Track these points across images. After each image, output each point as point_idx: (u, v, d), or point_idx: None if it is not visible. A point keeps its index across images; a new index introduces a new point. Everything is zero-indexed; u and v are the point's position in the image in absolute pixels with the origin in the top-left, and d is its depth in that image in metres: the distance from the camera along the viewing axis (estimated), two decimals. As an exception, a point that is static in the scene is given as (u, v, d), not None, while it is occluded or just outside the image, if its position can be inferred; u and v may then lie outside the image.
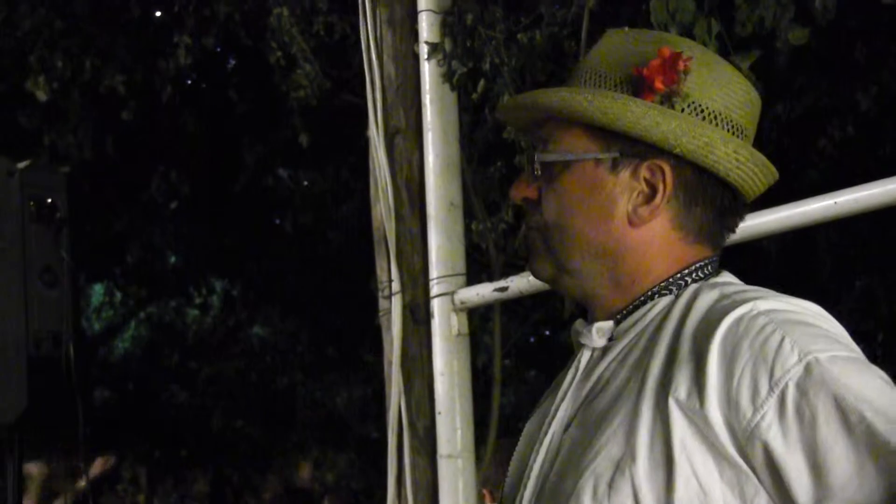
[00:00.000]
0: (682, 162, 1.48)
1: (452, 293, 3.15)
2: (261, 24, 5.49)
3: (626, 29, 1.61)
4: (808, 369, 1.30)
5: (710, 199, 1.52)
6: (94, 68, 6.29)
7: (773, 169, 1.54)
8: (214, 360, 13.08)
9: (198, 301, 11.96)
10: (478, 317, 4.39)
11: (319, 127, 6.37)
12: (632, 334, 1.52)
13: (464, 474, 2.84)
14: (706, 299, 1.46)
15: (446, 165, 3.42)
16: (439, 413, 2.97)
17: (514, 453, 1.68)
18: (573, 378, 1.58)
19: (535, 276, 1.64)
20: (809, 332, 1.36)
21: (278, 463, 13.95)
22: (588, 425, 1.47)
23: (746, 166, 1.50)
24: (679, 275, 1.52)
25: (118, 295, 12.25)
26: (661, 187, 1.49)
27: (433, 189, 3.37)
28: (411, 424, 3.19)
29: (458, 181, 3.44)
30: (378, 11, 3.62)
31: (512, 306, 5.97)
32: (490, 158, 3.95)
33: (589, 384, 1.54)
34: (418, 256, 3.40)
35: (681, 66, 1.45)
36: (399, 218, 3.46)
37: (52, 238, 4.15)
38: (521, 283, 3.04)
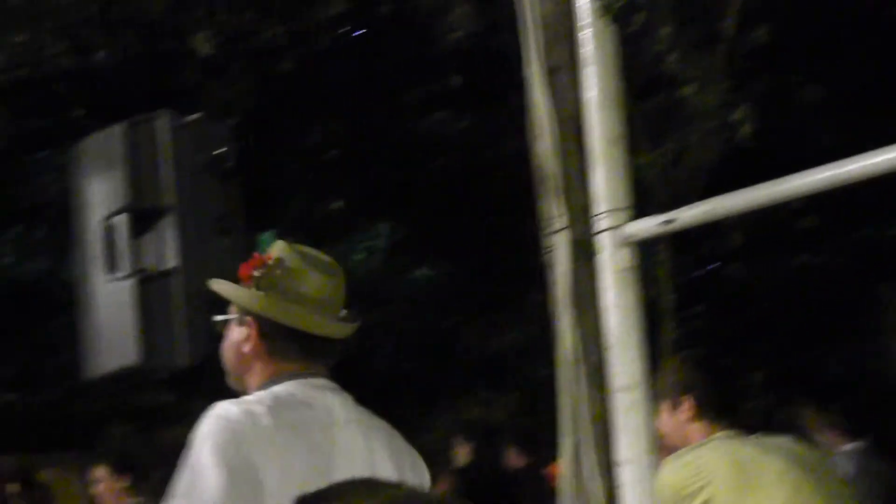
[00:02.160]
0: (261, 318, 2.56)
1: (619, 227, 3.14)
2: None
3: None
4: None
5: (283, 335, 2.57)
6: (253, 21, 6.43)
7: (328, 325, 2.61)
8: (380, 304, 13.27)
9: (362, 246, 12.15)
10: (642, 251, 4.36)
11: (474, 69, 6.39)
12: None
13: (640, 406, 2.84)
14: None
15: (607, 99, 3.39)
16: (611, 347, 2.97)
17: None
18: None
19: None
20: None
21: (446, 404, 14.12)
22: None
23: (297, 315, 2.54)
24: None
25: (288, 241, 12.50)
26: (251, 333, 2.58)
27: (595, 124, 3.35)
28: (583, 359, 3.20)
29: (620, 115, 3.41)
30: (531, -52, 3.59)
31: (676, 240, 5.90)
32: (651, 90, 3.90)
33: None
34: (583, 192, 3.39)
35: (256, 264, 2.59)
36: (562, 155, 3.45)
37: (223, 189, 4.27)
38: (689, 214, 3.01)
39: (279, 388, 2.51)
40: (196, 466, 2.36)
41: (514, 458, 7.80)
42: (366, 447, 2.57)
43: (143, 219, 4.02)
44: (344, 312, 2.65)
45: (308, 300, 2.56)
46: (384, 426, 2.68)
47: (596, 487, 3.16)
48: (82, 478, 6.13)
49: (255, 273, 2.55)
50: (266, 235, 12.90)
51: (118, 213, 4.03)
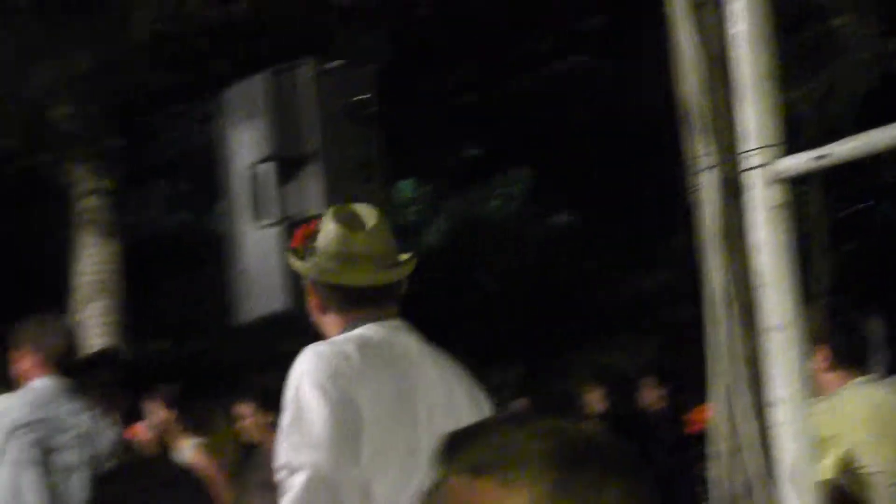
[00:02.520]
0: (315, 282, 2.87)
1: (769, 164, 3.06)
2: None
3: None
4: None
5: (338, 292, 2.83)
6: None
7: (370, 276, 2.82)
8: (518, 251, 13.29)
9: (499, 192, 12.16)
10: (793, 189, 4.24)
11: (612, 9, 6.29)
12: None
13: (793, 346, 2.77)
14: None
15: (756, 34, 3.28)
16: (762, 286, 2.90)
17: None
18: None
19: None
20: None
21: (588, 349, 14.08)
22: None
23: (344, 274, 2.80)
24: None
25: (423, 190, 12.60)
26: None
27: (743, 59, 3.25)
28: (734, 299, 3.15)
29: (770, 49, 3.31)
30: None
31: (826, 178, 5.74)
32: (802, 23, 3.77)
33: None
34: (730, 129, 3.30)
35: (302, 235, 2.91)
36: (709, 92, 3.37)
37: (364, 135, 4.30)
38: (842, 149, 2.90)
39: (357, 332, 2.77)
40: (300, 401, 2.60)
41: (653, 403, 7.76)
42: (441, 381, 2.81)
43: (287, 166, 4.08)
44: (399, 258, 2.92)
45: (353, 257, 2.81)
46: (454, 364, 2.90)
47: (749, 429, 3.12)
48: (229, 418, 6.34)
49: (301, 244, 2.87)
50: (405, 183, 13.04)
51: (263, 161, 4.10)
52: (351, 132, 4.22)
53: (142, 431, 6.02)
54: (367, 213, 2.89)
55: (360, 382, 2.64)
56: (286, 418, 2.64)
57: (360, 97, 4.26)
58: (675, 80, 3.59)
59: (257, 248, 4.05)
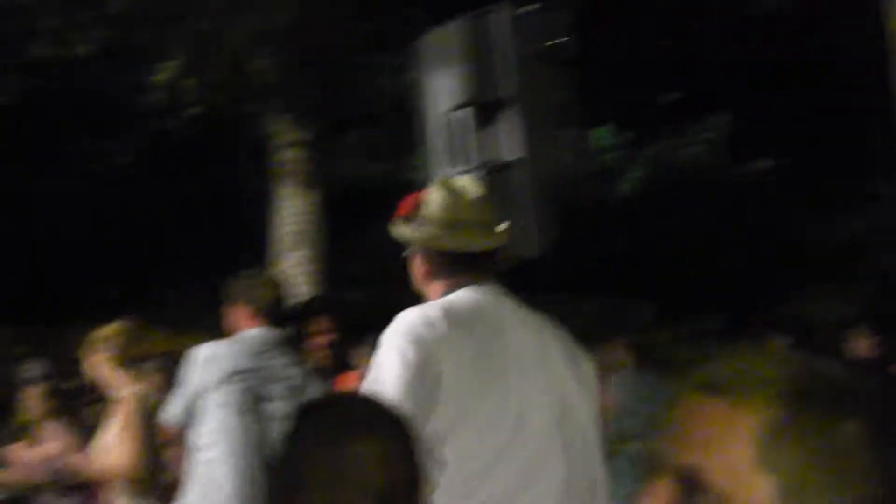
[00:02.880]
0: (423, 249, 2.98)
1: None
2: None
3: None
4: None
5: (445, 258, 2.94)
6: None
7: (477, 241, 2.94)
8: (715, 196, 13.02)
9: (698, 138, 11.92)
10: None
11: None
12: None
13: None
14: None
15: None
16: None
17: None
18: None
19: None
20: None
21: (794, 298, 13.72)
22: None
23: (451, 240, 2.93)
24: None
25: (619, 137, 12.46)
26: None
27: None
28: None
29: None
30: None
31: None
32: None
33: None
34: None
35: (411, 204, 3.00)
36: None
37: (562, 79, 4.24)
38: None
39: (453, 297, 2.91)
40: (380, 363, 2.75)
41: (863, 352, 7.49)
42: (538, 345, 2.89)
43: (485, 111, 4.06)
44: (498, 226, 3.03)
45: (458, 224, 2.95)
46: (553, 327, 2.98)
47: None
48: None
49: (411, 212, 3.02)
50: (601, 130, 12.90)
51: (460, 107, 4.09)
52: (547, 76, 4.18)
53: (352, 381, 6.14)
54: (471, 184, 3.08)
55: (442, 348, 2.75)
56: (368, 375, 2.80)
57: (557, 41, 4.20)
58: (882, 22, 3.42)
59: (457, 194, 4.04)
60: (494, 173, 3.95)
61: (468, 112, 4.06)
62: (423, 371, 2.72)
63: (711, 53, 9.75)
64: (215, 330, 4.99)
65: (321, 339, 5.44)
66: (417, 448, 1.87)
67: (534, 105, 4.12)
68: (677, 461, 1.14)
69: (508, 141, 4.05)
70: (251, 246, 9.46)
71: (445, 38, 4.25)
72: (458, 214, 2.97)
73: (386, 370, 2.73)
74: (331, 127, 13.44)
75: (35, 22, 7.72)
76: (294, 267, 8.22)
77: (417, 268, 3.02)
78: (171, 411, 4.68)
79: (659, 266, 13.35)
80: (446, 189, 3.03)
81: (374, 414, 1.91)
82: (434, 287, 2.99)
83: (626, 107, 10.70)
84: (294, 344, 4.95)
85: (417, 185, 4.43)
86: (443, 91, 4.21)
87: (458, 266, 2.95)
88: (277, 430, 4.64)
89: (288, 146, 8.31)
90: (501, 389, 2.78)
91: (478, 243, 2.97)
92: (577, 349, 2.98)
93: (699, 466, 1.12)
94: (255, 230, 9.14)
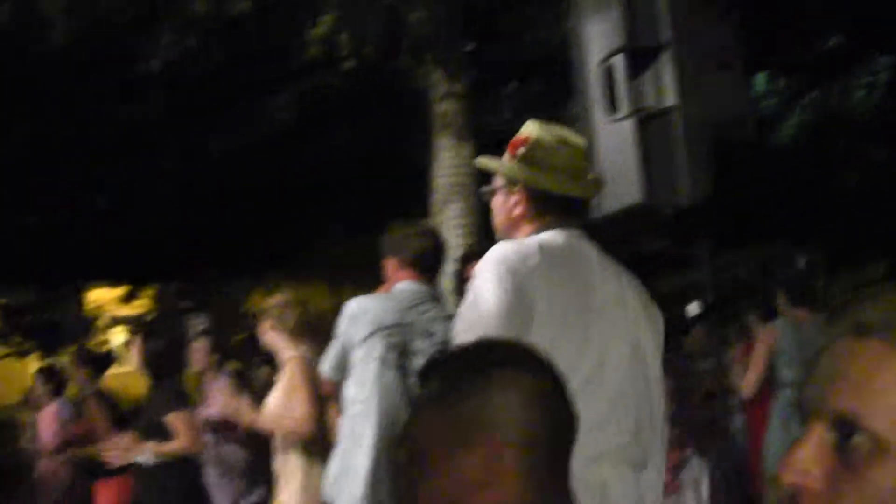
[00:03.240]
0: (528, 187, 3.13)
1: None
2: None
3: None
4: None
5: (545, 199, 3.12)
6: None
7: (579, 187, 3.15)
8: (883, 143, 12.56)
9: (862, 82, 11.51)
10: None
11: None
12: None
13: None
14: None
15: None
16: None
17: None
18: None
19: None
20: None
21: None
22: None
23: (554, 183, 3.10)
24: None
25: (779, 83, 12.12)
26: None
27: None
28: None
29: None
30: None
31: None
32: None
33: None
34: None
35: (520, 142, 3.15)
36: None
37: (719, 23, 4.16)
38: None
39: (544, 236, 3.06)
40: (477, 289, 2.91)
41: None
42: (618, 288, 3.09)
43: (640, 57, 4.02)
44: (590, 176, 3.25)
45: (562, 170, 3.13)
46: (628, 274, 3.19)
47: None
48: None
49: (520, 150, 3.16)
50: (759, 76, 12.57)
51: (615, 53, 4.05)
52: (705, 20, 4.10)
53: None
54: (571, 134, 3.23)
55: (535, 280, 2.90)
56: (465, 302, 2.96)
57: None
58: None
59: (611, 141, 4.03)
60: (648, 121, 3.91)
61: (623, 58, 4.02)
62: (520, 299, 2.86)
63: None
64: (377, 284, 5.05)
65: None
66: (567, 388, 1.67)
67: (690, 49, 4.05)
68: (832, 406, 1.11)
69: (665, 86, 3.99)
70: (413, 199, 9.55)
71: (600, -15, 4.20)
72: (559, 159, 3.15)
73: (484, 297, 2.86)
74: (487, 79, 13.47)
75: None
76: (450, 219, 8.25)
77: (512, 205, 3.18)
78: (326, 365, 4.77)
79: (821, 214, 12.99)
80: (552, 134, 3.18)
81: (520, 353, 1.71)
82: (525, 226, 3.16)
83: (786, 52, 10.36)
84: (453, 294, 4.96)
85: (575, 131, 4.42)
86: (597, 38, 4.17)
87: (555, 209, 3.13)
88: None
89: (444, 98, 8.33)
90: (586, 327, 2.95)
91: (577, 190, 3.16)
92: (648, 296, 3.20)
93: (854, 411, 1.09)
94: (416, 183, 9.21)
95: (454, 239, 7.83)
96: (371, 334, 4.58)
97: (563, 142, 3.18)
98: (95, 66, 12.50)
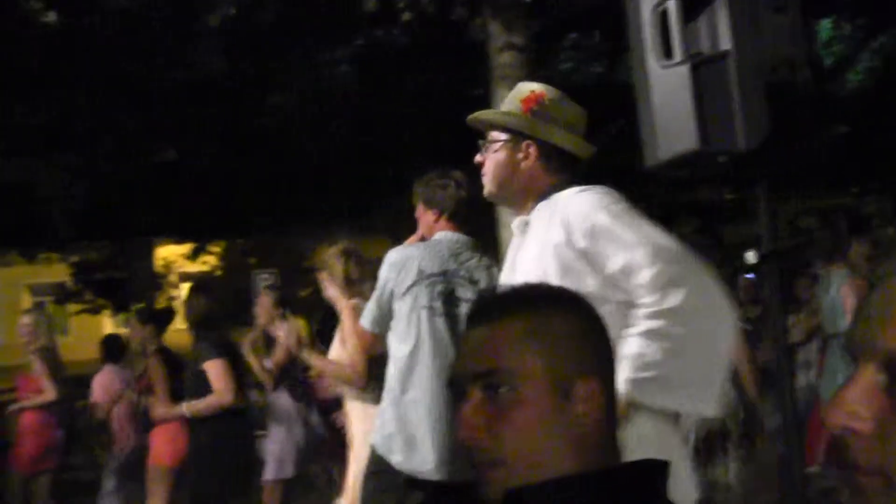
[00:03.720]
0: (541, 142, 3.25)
1: None
2: None
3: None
4: None
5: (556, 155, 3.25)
6: None
7: (585, 146, 3.31)
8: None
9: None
10: None
11: None
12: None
13: None
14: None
15: None
16: None
17: None
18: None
19: None
20: None
21: None
22: None
23: (570, 141, 3.25)
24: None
25: (846, 28, 11.87)
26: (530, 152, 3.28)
27: None
28: None
29: None
30: None
31: None
32: None
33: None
34: None
35: (533, 98, 3.26)
36: None
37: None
38: None
39: (589, 189, 3.14)
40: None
41: None
42: None
43: (694, 2, 3.95)
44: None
45: (572, 127, 3.27)
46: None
47: None
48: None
49: (535, 106, 3.25)
50: (825, 22, 12.32)
51: (668, -1, 3.99)
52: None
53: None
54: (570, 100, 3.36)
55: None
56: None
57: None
58: None
59: (666, 87, 3.97)
60: (704, 65, 3.85)
61: (677, 2, 3.95)
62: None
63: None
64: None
65: None
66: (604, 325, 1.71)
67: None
68: (882, 347, 1.10)
69: (719, 31, 3.93)
70: (473, 151, 9.54)
71: (655, -70, 4.12)
72: (572, 118, 3.30)
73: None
74: (546, 29, 13.37)
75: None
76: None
77: (520, 159, 3.28)
78: (366, 318, 4.77)
79: (888, 161, 12.75)
80: (559, 93, 3.33)
81: (562, 293, 1.74)
82: (532, 183, 3.27)
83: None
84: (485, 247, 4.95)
85: (630, 87, 4.37)
86: (652, -16, 4.10)
87: (566, 165, 3.27)
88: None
89: (503, 49, 8.29)
90: None
91: (584, 150, 3.30)
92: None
93: None
94: (477, 135, 9.21)
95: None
96: (415, 283, 4.58)
97: (569, 101, 3.33)
98: (159, 22, 12.62)
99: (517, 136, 3.28)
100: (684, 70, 3.89)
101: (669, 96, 3.95)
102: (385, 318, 4.68)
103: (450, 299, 4.60)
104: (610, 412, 1.61)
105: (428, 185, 4.85)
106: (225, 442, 6.98)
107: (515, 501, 1.55)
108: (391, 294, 4.62)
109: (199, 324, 7.26)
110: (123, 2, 8.54)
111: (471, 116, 3.48)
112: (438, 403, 4.48)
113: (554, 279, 2.95)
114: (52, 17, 8.39)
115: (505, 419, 1.55)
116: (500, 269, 4.81)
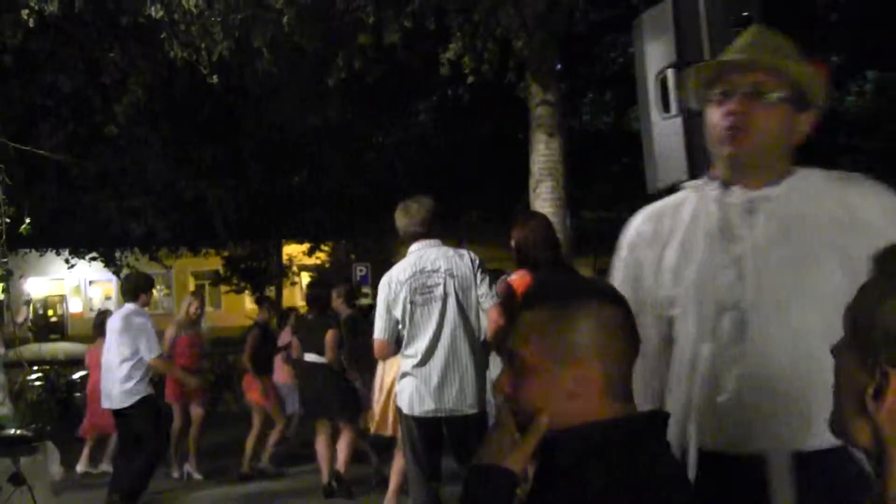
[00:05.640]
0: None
1: None
2: None
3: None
4: None
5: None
6: None
7: None
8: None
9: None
10: None
11: None
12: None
13: None
14: None
15: None
16: None
17: None
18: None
19: None
20: None
21: None
22: None
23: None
24: None
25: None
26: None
27: None
28: None
29: None
30: None
31: None
32: None
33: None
34: None
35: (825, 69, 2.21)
36: None
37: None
38: None
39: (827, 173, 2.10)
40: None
41: None
42: None
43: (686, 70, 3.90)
44: None
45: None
46: None
47: None
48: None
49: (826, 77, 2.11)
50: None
51: (668, 67, 3.96)
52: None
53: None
54: None
55: (647, 248, 2.24)
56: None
57: (746, 14, 3.96)
58: None
59: (664, 134, 3.95)
60: (691, 118, 3.80)
61: (673, 71, 3.92)
62: (631, 266, 2.39)
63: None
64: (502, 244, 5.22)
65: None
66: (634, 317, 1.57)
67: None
68: None
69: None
70: (517, 179, 9.67)
71: (658, 15, 4.11)
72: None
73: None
74: (573, 89, 13.34)
75: (359, 18, 8.29)
76: (545, 193, 8.30)
77: (796, 126, 2.07)
78: (377, 328, 4.98)
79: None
80: None
81: (603, 288, 1.60)
82: (788, 153, 2.10)
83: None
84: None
85: (636, 132, 4.34)
86: (655, 56, 4.08)
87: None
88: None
89: (540, 104, 8.33)
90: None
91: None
92: None
93: None
94: (519, 168, 9.27)
95: (546, 209, 7.84)
96: (397, 291, 4.86)
97: None
98: (295, 83, 12.94)
99: (802, 97, 2.06)
100: (678, 121, 3.87)
101: (667, 140, 3.93)
102: (390, 324, 4.92)
103: (423, 290, 4.84)
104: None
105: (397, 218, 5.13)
106: (326, 385, 7.65)
107: (550, 444, 1.51)
108: (388, 305, 4.89)
109: (314, 304, 7.92)
110: (270, 67, 8.76)
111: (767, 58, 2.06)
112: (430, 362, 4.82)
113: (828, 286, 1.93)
114: (216, 79, 8.57)
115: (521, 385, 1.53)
116: (458, 253, 4.98)
